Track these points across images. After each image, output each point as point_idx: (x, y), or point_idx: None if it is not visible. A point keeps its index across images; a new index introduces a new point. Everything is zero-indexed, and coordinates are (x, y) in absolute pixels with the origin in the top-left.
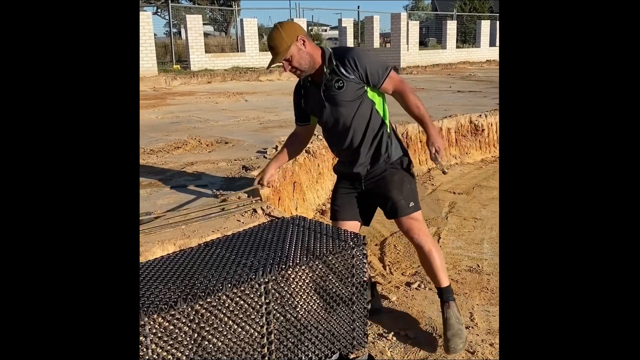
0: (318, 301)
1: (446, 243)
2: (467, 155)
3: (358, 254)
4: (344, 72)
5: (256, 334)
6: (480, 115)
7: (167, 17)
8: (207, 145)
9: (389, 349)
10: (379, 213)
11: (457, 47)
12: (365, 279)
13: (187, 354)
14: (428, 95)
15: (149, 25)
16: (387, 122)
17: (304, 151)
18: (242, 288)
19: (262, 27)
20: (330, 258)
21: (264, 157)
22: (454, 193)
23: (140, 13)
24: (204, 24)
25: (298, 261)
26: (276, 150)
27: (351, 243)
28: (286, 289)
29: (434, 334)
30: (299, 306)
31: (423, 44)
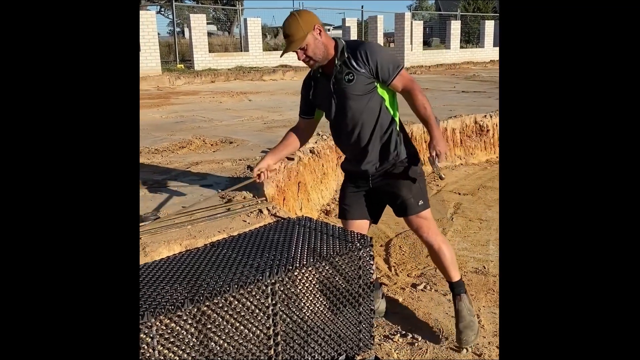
0: (324, 302)
1: (452, 244)
2: (472, 156)
3: (365, 255)
4: (355, 65)
5: (262, 335)
6: (485, 116)
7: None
8: (211, 145)
9: (395, 350)
10: (384, 213)
11: (461, 47)
12: (372, 280)
13: (193, 355)
14: (432, 95)
15: (153, 25)
16: (397, 119)
17: (308, 151)
18: (249, 289)
19: (265, 27)
20: (337, 259)
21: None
22: (459, 194)
23: (144, 12)
24: (207, 23)
25: (305, 262)
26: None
27: (358, 244)
28: (293, 290)
29: (440, 336)
30: (306, 307)
31: (426, 44)
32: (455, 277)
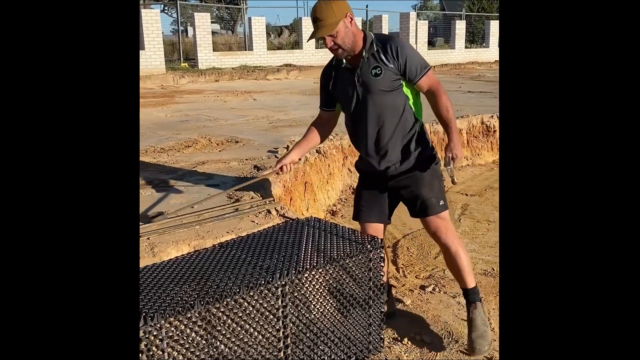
0: (334, 305)
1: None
2: (478, 157)
3: (375, 256)
4: (384, 60)
5: (272, 337)
6: (492, 116)
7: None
8: (217, 144)
9: (405, 353)
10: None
11: (466, 47)
12: (383, 282)
13: (202, 357)
14: None
15: (157, 23)
16: (420, 119)
17: (314, 151)
18: (259, 291)
19: (269, 26)
20: (347, 261)
21: (275, 156)
22: (466, 195)
23: (148, 11)
24: (210, 22)
25: (315, 264)
26: (287, 149)
27: (368, 246)
28: (303, 292)
29: (450, 339)
30: (315, 310)
31: (431, 43)
32: (471, 283)
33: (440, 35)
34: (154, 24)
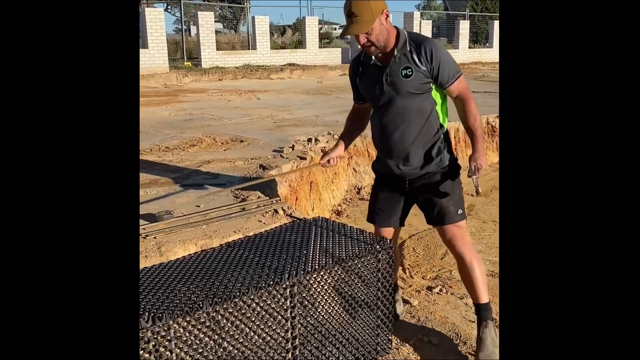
0: (343, 305)
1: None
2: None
3: (384, 257)
4: (417, 61)
5: (280, 338)
6: (497, 116)
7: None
8: (222, 143)
9: (413, 355)
10: None
11: (469, 47)
12: (391, 283)
13: (210, 358)
14: None
15: (161, 22)
16: (445, 125)
17: (320, 151)
18: (268, 291)
19: (272, 25)
20: (356, 262)
21: (281, 156)
22: (472, 195)
23: (152, 9)
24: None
25: (324, 264)
26: (292, 149)
27: (377, 247)
28: (311, 292)
29: (458, 341)
30: (324, 311)
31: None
32: (484, 298)
33: (443, 35)
34: (157, 23)
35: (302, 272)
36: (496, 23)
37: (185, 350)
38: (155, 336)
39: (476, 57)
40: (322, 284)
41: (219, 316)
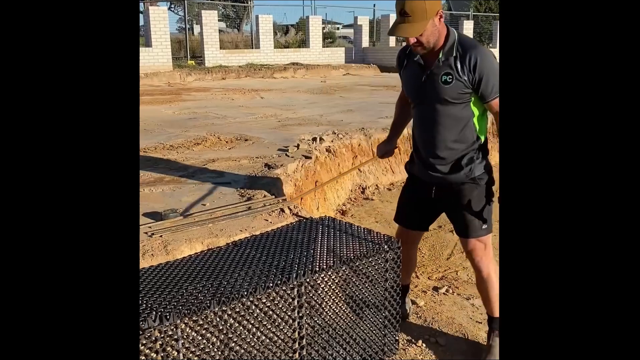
0: (350, 305)
1: None
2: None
3: (392, 257)
4: (459, 69)
5: (288, 338)
6: None
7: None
8: (226, 142)
9: (419, 355)
10: (389, 213)
11: None
12: (399, 284)
13: (217, 357)
14: None
15: (165, 21)
16: (482, 138)
17: (324, 150)
18: (276, 291)
19: (275, 24)
20: (363, 262)
21: (286, 155)
22: None
23: (156, 8)
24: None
25: (331, 264)
26: (297, 148)
27: (385, 246)
28: (319, 292)
29: (465, 341)
30: (331, 311)
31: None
32: (497, 312)
33: None
34: (161, 22)
35: (310, 272)
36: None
37: (192, 350)
38: (162, 335)
39: None
40: (330, 283)
41: (226, 316)
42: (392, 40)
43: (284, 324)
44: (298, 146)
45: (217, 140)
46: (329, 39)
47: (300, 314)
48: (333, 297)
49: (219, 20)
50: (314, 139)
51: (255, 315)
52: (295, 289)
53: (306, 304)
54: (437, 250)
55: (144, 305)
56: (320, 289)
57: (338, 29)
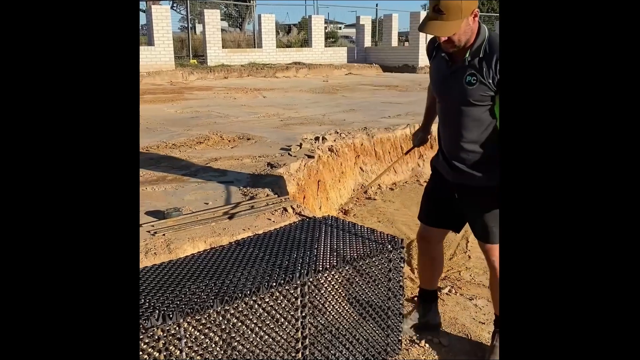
0: (353, 305)
1: (474, 247)
2: None
3: (396, 257)
4: (484, 70)
5: (291, 338)
6: None
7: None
8: (229, 140)
9: (422, 356)
10: (391, 213)
11: None
12: (402, 284)
13: (219, 357)
14: None
15: (167, 19)
16: None
17: (327, 150)
18: (279, 290)
19: (277, 24)
20: (367, 261)
21: (289, 154)
22: None
23: (158, 7)
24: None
25: (334, 264)
26: (300, 147)
27: (389, 246)
28: (322, 292)
29: (468, 342)
30: (334, 310)
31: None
32: None
33: None
34: (163, 20)
35: (313, 272)
36: None
37: (194, 349)
38: (165, 334)
39: None
40: (333, 283)
41: (229, 315)
42: (395, 40)
43: (286, 323)
44: (301, 145)
45: (219, 139)
46: (331, 39)
47: (303, 314)
48: (336, 297)
49: (221, 20)
50: (317, 139)
51: (258, 314)
52: (298, 289)
53: (309, 304)
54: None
55: (147, 304)
56: (324, 288)
57: (340, 28)
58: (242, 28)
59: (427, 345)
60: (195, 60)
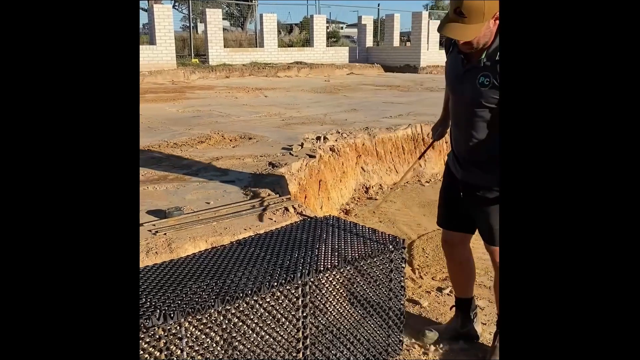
0: (354, 305)
1: (476, 247)
2: None
3: (397, 257)
4: (498, 72)
5: (292, 338)
6: None
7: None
8: (230, 140)
9: (423, 356)
10: (392, 213)
11: None
12: (403, 284)
13: (220, 357)
14: None
15: (169, 19)
16: None
17: (329, 149)
18: (280, 290)
19: (279, 23)
20: (368, 262)
21: (290, 153)
22: None
23: (160, 6)
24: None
25: (336, 264)
26: (302, 147)
27: (390, 246)
28: (323, 292)
29: (468, 342)
30: (335, 310)
31: (442, 43)
32: None
33: None
34: (165, 19)
35: (314, 272)
36: None
37: (195, 348)
38: (166, 334)
39: None
40: (334, 283)
41: (230, 315)
42: (396, 40)
43: (287, 323)
44: (302, 145)
45: (221, 138)
46: (332, 38)
47: (304, 314)
48: (337, 297)
49: (223, 19)
50: (318, 138)
51: (259, 314)
52: (300, 289)
53: (310, 304)
54: (441, 251)
55: (148, 303)
56: (325, 288)
57: (342, 28)
58: (243, 27)
59: (427, 345)
60: (197, 60)
